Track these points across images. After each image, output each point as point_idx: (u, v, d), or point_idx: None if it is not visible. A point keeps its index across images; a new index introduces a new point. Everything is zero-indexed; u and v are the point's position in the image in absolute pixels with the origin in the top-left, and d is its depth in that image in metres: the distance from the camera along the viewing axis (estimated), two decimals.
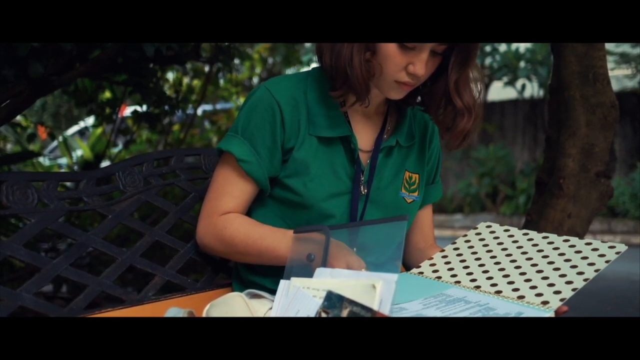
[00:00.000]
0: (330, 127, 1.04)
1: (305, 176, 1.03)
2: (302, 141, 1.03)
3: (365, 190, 1.07)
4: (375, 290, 0.79)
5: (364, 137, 1.09)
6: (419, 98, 1.12)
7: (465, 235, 1.14)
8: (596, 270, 0.94)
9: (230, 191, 1.04)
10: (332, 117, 1.04)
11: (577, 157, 1.75)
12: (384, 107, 1.12)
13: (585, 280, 0.93)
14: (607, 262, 0.96)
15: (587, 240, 1.03)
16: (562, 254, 1.01)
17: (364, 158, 1.08)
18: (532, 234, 1.09)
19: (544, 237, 1.07)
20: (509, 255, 1.05)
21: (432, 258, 1.10)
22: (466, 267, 1.04)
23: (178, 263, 1.13)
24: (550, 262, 0.99)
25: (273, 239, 1.01)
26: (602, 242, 1.01)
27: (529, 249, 1.05)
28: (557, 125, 1.83)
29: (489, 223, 1.17)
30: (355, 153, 1.05)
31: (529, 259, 1.02)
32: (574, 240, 1.04)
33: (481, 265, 1.03)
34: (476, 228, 1.16)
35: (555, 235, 1.07)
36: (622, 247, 0.98)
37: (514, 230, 1.12)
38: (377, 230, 0.96)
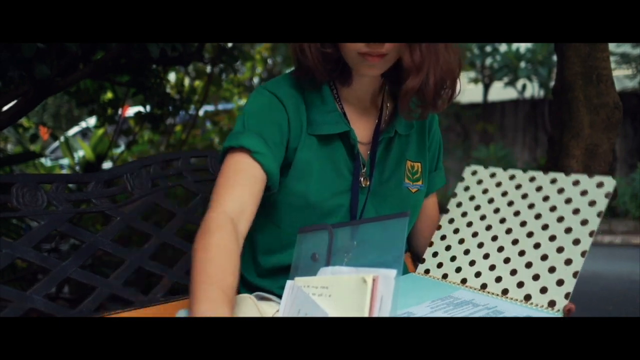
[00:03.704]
0: (329, 124, 1.03)
1: (308, 177, 1.02)
2: (303, 142, 1.02)
3: (367, 183, 1.05)
4: (367, 285, 0.78)
5: (362, 129, 1.07)
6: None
7: (455, 196, 1.14)
8: (590, 234, 0.93)
9: (243, 182, 0.94)
10: (329, 114, 1.03)
11: (580, 158, 1.75)
12: (379, 98, 1.10)
13: (575, 273, 0.92)
14: (598, 215, 0.94)
15: (574, 177, 1.00)
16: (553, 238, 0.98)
17: (364, 150, 1.07)
18: (519, 176, 1.07)
19: (532, 180, 1.04)
20: (514, 243, 1.03)
21: (432, 243, 1.11)
22: (472, 263, 1.04)
23: (185, 265, 1.13)
24: (544, 257, 0.98)
25: (209, 305, 0.78)
26: (589, 177, 0.98)
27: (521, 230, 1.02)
28: (560, 126, 1.83)
29: (474, 168, 1.16)
30: (355, 148, 1.04)
31: (522, 252, 1.01)
32: (560, 179, 1.01)
33: (486, 256, 1.04)
34: (463, 180, 1.16)
35: (541, 173, 1.04)
36: (610, 182, 0.95)
37: (500, 175, 1.10)
38: (379, 228, 0.96)
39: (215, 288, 0.79)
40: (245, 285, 1.11)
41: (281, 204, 1.04)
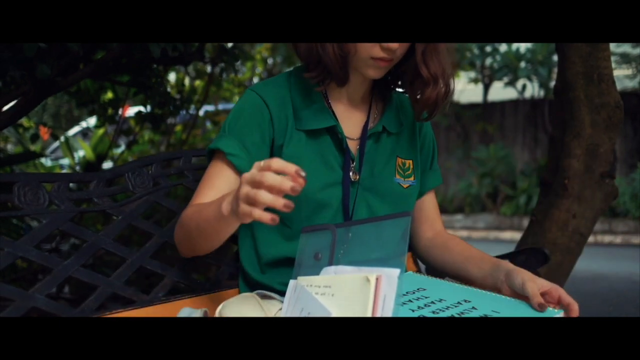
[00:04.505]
0: (316, 120, 1.06)
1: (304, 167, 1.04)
2: (290, 137, 1.05)
3: (357, 177, 1.08)
4: (370, 284, 0.79)
5: (351, 126, 1.10)
6: (399, 82, 1.14)
7: None
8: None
9: (214, 184, 1.02)
10: (316, 110, 1.07)
11: (581, 157, 1.76)
12: (369, 96, 1.14)
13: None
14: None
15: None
16: None
17: (353, 146, 1.10)
18: None
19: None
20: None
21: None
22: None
23: (187, 264, 1.13)
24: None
25: (212, 205, 0.91)
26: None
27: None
28: (562, 126, 1.83)
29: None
30: (344, 142, 1.07)
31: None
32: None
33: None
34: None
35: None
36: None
37: None
38: (382, 227, 0.97)
39: (205, 204, 0.94)
40: (246, 281, 1.12)
41: None
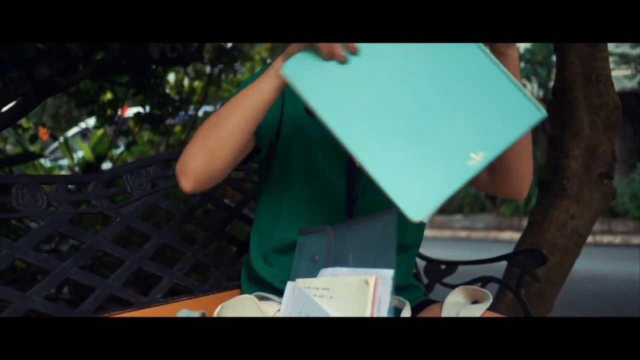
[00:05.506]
0: None
1: (308, 150, 1.05)
2: (300, 121, 1.06)
3: None
4: (369, 286, 0.79)
5: None
6: None
7: None
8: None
9: None
10: None
11: (580, 158, 1.75)
12: None
13: None
14: None
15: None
16: None
17: None
18: None
19: None
20: None
21: None
22: None
23: (185, 265, 1.13)
24: None
25: (246, 90, 0.94)
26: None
27: None
28: (561, 126, 1.83)
29: None
30: None
31: None
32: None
33: None
34: None
35: None
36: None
37: None
38: (372, 226, 0.96)
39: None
40: (247, 277, 1.12)
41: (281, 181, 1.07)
